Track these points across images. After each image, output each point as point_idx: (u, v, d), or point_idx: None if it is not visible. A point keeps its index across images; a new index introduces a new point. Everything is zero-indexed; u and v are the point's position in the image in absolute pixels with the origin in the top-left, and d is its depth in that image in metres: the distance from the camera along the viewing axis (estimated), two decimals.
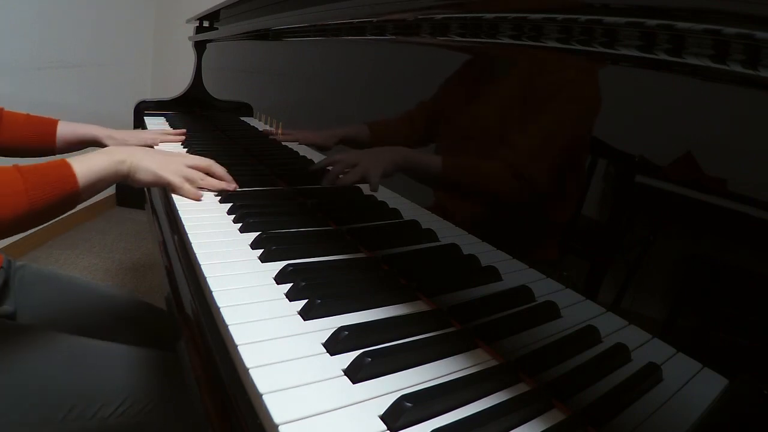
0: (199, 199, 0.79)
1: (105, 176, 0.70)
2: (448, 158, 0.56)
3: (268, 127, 1.08)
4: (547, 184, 0.45)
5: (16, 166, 0.62)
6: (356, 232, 0.69)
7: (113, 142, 1.11)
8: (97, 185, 0.69)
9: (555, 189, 0.44)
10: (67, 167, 0.66)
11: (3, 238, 0.60)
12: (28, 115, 1.04)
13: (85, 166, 0.67)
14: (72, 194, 0.66)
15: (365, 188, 0.69)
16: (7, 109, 1.02)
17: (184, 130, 1.29)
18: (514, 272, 0.47)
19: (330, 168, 0.79)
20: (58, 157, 0.84)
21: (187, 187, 0.79)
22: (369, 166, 0.69)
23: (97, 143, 1.11)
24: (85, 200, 0.69)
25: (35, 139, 1.03)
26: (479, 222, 0.52)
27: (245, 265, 0.57)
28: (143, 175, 0.76)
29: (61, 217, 0.66)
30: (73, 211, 0.69)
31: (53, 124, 1.06)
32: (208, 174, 0.84)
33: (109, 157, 0.72)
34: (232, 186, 0.85)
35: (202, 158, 0.86)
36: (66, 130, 1.07)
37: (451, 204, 0.56)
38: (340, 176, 0.76)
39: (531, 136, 0.47)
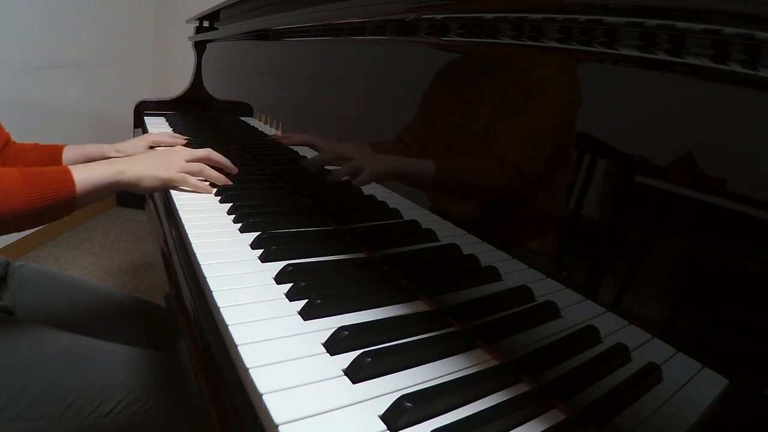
0: (210, 192, 0.82)
1: (103, 186, 0.71)
2: (446, 160, 0.56)
3: (268, 127, 1.08)
4: (548, 185, 0.45)
5: (18, 168, 0.64)
6: (356, 232, 0.69)
7: (121, 154, 1.09)
8: (94, 194, 0.71)
9: (555, 189, 0.44)
10: (67, 173, 0.68)
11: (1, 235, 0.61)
12: (35, 144, 1.06)
13: (84, 174, 0.69)
14: (69, 199, 0.67)
15: (365, 188, 0.69)
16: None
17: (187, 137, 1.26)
18: (514, 272, 0.47)
19: (324, 159, 0.81)
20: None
21: (192, 181, 0.81)
22: (363, 165, 0.70)
23: (105, 159, 1.09)
24: (82, 207, 0.71)
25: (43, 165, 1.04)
26: (479, 222, 0.52)
27: (245, 265, 0.57)
28: (149, 183, 0.77)
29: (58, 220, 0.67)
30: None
31: (59, 149, 1.06)
32: (209, 163, 0.86)
33: (109, 167, 0.73)
34: (234, 170, 0.89)
35: (199, 149, 0.87)
36: (72, 153, 1.07)
37: (451, 204, 0.56)
38: (332, 168, 0.78)
39: (531, 137, 0.47)
